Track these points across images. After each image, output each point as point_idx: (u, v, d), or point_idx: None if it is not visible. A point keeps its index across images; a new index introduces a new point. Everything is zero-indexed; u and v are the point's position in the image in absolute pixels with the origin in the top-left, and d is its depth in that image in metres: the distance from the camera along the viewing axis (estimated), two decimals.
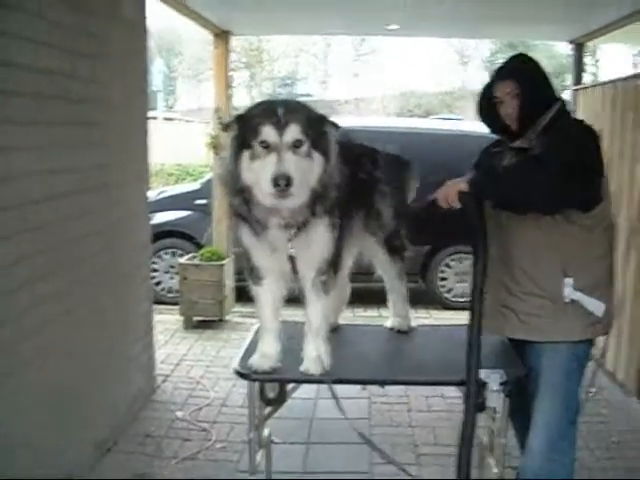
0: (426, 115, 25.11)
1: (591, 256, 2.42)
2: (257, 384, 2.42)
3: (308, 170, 2.03)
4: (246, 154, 2.04)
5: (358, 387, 4.02)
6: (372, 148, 2.73)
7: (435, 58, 41.08)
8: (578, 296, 2.38)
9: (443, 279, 6.89)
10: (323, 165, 2.07)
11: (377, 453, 2.42)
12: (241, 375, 2.38)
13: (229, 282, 5.90)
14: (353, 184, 2.29)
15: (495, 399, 2.27)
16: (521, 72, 2.48)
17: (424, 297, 7.02)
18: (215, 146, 5.69)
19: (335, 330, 2.73)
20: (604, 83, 5.12)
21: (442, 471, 3.35)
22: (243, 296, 6.26)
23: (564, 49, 26.57)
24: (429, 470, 3.44)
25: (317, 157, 2.05)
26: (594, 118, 5.12)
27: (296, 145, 2.00)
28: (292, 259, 2.18)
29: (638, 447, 3.72)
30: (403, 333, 2.82)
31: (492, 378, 2.27)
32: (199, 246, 6.36)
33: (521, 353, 2.51)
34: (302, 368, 2.33)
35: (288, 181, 1.93)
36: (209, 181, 6.47)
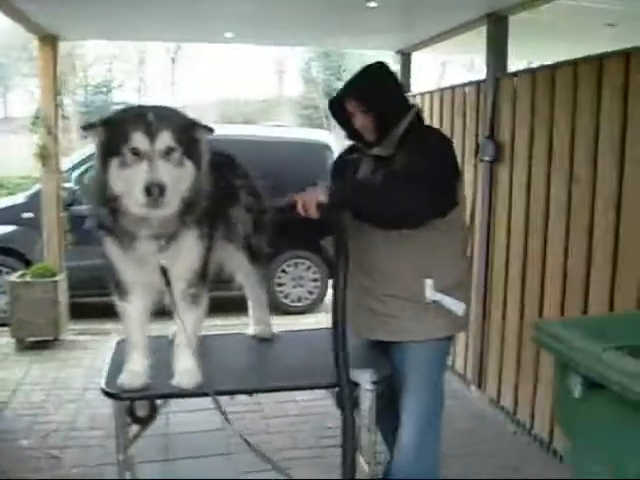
0: (246, 122, 25.44)
1: (449, 257, 2.54)
2: (126, 403, 2.31)
3: (180, 178, 1.97)
4: (115, 162, 1.93)
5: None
6: (227, 154, 2.70)
7: (253, 66, 41.64)
8: (439, 297, 2.48)
9: (280, 285, 6.98)
10: (195, 173, 2.03)
11: (262, 459, 2.40)
12: (110, 395, 2.26)
13: (63, 299, 5.58)
14: (215, 192, 2.25)
15: (368, 398, 2.34)
16: (366, 90, 2.51)
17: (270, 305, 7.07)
18: (44, 156, 5.37)
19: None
20: (432, 91, 5.46)
21: (305, 473, 3.40)
22: (77, 313, 5.99)
23: (373, 57, 28.18)
24: (293, 473, 3.47)
25: (189, 165, 2.00)
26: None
27: (168, 152, 1.94)
28: (164, 270, 2.11)
29: (481, 433, 4.00)
30: (265, 340, 2.82)
31: (362, 378, 2.33)
32: (28, 262, 5.98)
33: (385, 353, 2.60)
34: (174, 382, 2.26)
35: (161, 190, 1.87)
36: (37, 193, 6.08)
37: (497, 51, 4.20)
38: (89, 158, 6.93)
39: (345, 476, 2.27)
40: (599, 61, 3.21)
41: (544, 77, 3.66)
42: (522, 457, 3.69)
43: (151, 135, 1.91)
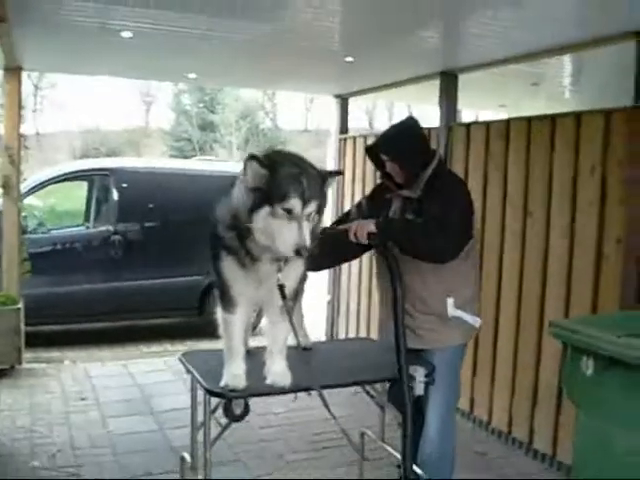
0: (113, 154, 25.24)
1: (466, 279, 3.17)
2: (222, 403, 2.71)
3: (314, 229, 2.37)
4: (266, 209, 2.26)
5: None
6: None
7: (117, 96, 41.13)
8: (459, 313, 3.13)
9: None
10: (319, 220, 2.45)
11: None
12: (217, 395, 2.66)
13: (22, 327, 5.68)
14: None
15: (421, 388, 2.90)
16: (394, 145, 3.11)
17: (203, 329, 7.39)
18: (6, 186, 5.50)
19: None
20: (365, 135, 6.15)
21: (312, 473, 3.88)
22: (31, 341, 6.06)
23: (253, 93, 28.93)
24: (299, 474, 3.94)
25: (317, 218, 2.39)
26: (360, 164, 6.15)
27: (310, 215, 2.34)
28: (281, 287, 2.55)
29: None
30: (308, 349, 3.30)
31: (418, 372, 2.90)
32: None
33: (414, 355, 3.17)
34: (270, 382, 2.69)
35: (306, 249, 2.29)
36: None
37: (448, 102, 4.96)
38: (40, 186, 7.03)
39: (406, 463, 2.79)
40: (552, 119, 4.02)
41: (498, 129, 4.44)
42: (485, 446, 4.36)
43: (304, 202, 2.29)
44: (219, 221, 2.49)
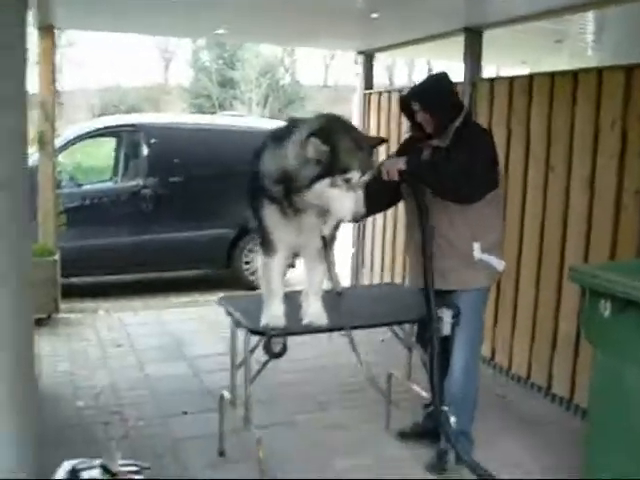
0: (133, 111, 25.31)
1: (492, 225, 3.35)
2: (263, 340, 2.93)
3: None
4: (327, 180, 2.50)
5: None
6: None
7: (137, 54, 41.00)
8: (485, 257, 3.30)
9: (247, 262, 7.59)
10: None
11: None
12: (258, 333, 2.87)
13: (59, 278, 5.93)
14: None
15: (448, 329, 3.10)
16: (427, 95, 3.30)
17: (230, 281, 7.67)
18: (42, 141, 5.70)
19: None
20: (389, 91, 6.26)
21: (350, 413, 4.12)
22: (65, 293, 6.31)
23: (273, 49, 28.84)
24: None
25: None
26: (385, 118, 6.27)
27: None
28: (324, 238, 2.76)
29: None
30: (339, 294, 3.50)
31: (446, 314, 3.10)
32: None
33: (441, 297, 3.35)
34: (306, 322, 2.91)
35: (361, 216, 2.60)
36: None
37: (472, 59, 5.05)
38: (72, 142, 7.24)
39: (435, 400, 3.01)
40: (574, 75, 4.12)
41: (521, 84, 4.54)
42: (505, 390, 4.57)
43: (362, 173, 2.53)
44: (265, 175, 2.68)
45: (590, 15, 4.72)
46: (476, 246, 3.29)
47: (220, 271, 7.88)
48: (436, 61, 9.86)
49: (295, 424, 3.94)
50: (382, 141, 2.95)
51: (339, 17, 5.03)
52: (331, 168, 2.49)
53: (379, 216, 5.99)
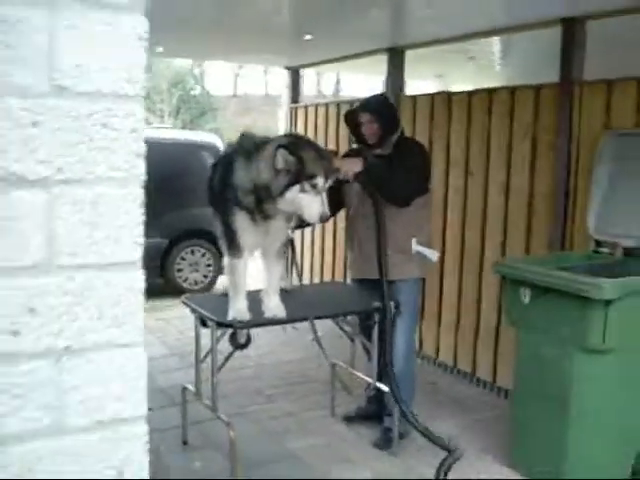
0: None
1: (425, 223, 3.79)
2: (228, 333, 3.25)
3: None
4: (297, 187, 2.85)
5: None
6: None
7: None
8: (420, 249, 3.73)
9: (179, 270, 7.81)
10: None
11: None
12: (226, 325, 3.19)
13: None
14: None
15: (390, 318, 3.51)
16: (378, 108, 3.75)
17: (163, 288, 7.86)
18: None
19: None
20: (317, 104, 6.67)
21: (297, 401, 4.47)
22: None
23: (182, 60, 28.92)
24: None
25: None
26: (311, 130, 6.67)
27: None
28: (291, 241, 3.12)
29: None
30: (289, 292, 3.84)
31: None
32: None
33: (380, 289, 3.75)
34: (269, 315, 3.24)
35: (327, 217, 2.95)
36: None
37: (395, 75, 5.51)
38: None
39: (387, 360, 3.40)
40: (489, 92, 4.64)
41: (441, 100, 5.03)
42: (434, 377, 5.03)
43: (326, 178, 2.90)
44: (238, 187, 3.00)
45: (500, 38, 5.25)
46: (414, 241, 3.71)
47: (154, 279, 8.05)
48: (361, 75, 10.39)
49: (247, 414, 4.24)
50: (335, 153, 3.32)
51: (272, 37, 5.40)
52: (299, 176, 2.85)
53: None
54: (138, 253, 0.86)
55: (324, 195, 2.91)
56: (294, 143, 2.94)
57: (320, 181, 2.88)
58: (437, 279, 5.11)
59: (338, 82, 33.73)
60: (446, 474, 2.96)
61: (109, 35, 0.79)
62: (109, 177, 0.82)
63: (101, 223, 0.82)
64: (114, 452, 0.90)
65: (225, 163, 3.14)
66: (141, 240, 0.86)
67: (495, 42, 5.39)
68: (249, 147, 3.02)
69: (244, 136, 3.23)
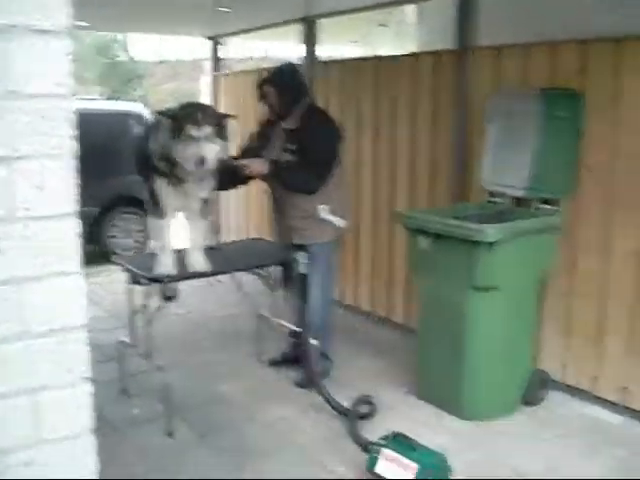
0: None
1: (334, 192, 4.11)
2: (159, 286, 3.58)
3: (214, 150, 3.29)
4: (176, 140, 3.21)
5: None
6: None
7: None
8: (327, 217, 4.10)
9: (112, 237, 8.03)
10: (222, 145, 3.35)
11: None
12: (155, 280, 3.51)
13: None
14: None
15: (304, 268, 3.90)
16: (278, 79, 4.04)
17: (97, 257, 8.06)
18: None
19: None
20: (237, 72, 6.94)
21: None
22: None
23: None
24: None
25: (218, 141, 3.31)
26: (234, 97, 6.95)
27: (208, 136, 3.26)
28: (204, 199, 3.45)
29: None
30: (214, 249, 4.18)
31: (301, 255, 3.90)
32: None
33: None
34: (193, 269, 3.59)
35: (205, 159, 3.24)
36: None
37: (309, 44, 5.83)
38: None
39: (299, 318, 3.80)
40: (394, 59, 5.02)
41: (352, 66, 5.39)
42: (355, 324, 5.48)
43: (198, 126, 3.22)
44: (152, 154, 3.34)
45: (408, 7, 5.63)
46: (320, 208, 4.06)
47: (84, 247, 8.22)
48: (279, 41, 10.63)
49: (182, 364, 4.59)
50: (230, 116, 3.61)
51: (189, 8, 5.62)
52: (174, 131, 3.23)
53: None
54: (74, 206, 1.20)
55: (204, 143, 3.23)
56: (174, 109, 3.35)
57: (192, 130, 3.21)
58: (354, 235, 5.53)
59: (267, 49, 33.57)
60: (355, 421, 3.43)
61: (45, 52, 1.12)
62: (48, 154, 1.16)
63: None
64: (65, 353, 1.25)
65: (145, 134, 3.46)
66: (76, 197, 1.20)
67: (400, 11, 5.74)
68: (161, 118, 3.35)
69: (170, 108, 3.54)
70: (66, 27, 1.13)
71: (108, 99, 14.18)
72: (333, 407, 3.75)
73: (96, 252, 8.07)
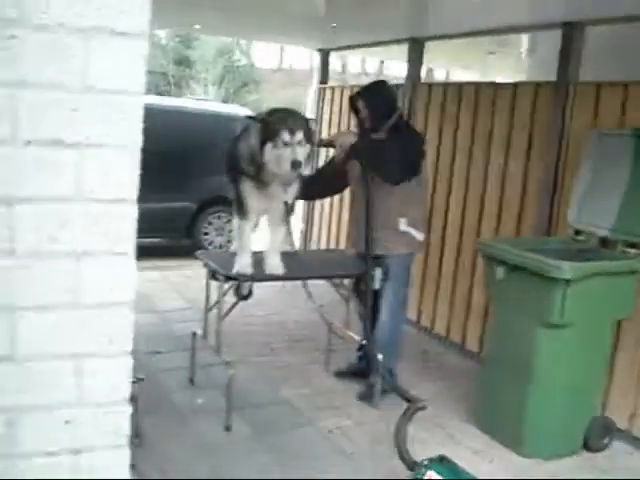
0: None
1: (414, 204, 4.18)
2: (234, 285, 3.73)
3: (304, 154, 3.43)
4: (269, 145, 3.35)
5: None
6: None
7: None
8: (408, 229, 4.15)
9: (206, 234, 8.35)
10: (309, 150, 3.49)
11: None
12: (232, 278, 3.66)
13: None
14: None
15: (378, 284, 3.95)
16: (370, 94, 4.15)
17: (189, 249, 8.38)
18: None
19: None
20: (342, 87, 7.08)
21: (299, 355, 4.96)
22: None
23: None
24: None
25: (308, 146, 3.45)
26: (337, 110, 7.09)
27: (300, 142, 3.39)
28: (286, 203, 3.58)
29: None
30: (293, 255, 4.30)
31: (377, 271, 3.95)
32: None
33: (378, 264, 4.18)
34: (269, 271, 3.71)
35: (299, 164, 3.37)
36: None
37: (414, 65, 5.89)
38: None
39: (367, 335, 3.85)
40: (495, 86, 5.01)
41: (453, 90, 5.41)
42: (428, 346, 5.47)
43: (291, 133, 3.36)
44: (240, 157, 3.49)
45: (516, 36, 5.60)
46: (402, 221, 4.12)
47: (182, 241, 8.59)
48: (387, 59, 10.77)
49: (250, 363, 4.73)
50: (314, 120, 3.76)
51: (301, 21, 5.81)
52: (267, 136, 3.36)
53: (326, 202, 6.84)
54: (134, 194, 1.32)
55: (297, 147, 3.37)
56: (266, 114, 3.52)
57: (285, 135, 3.34)
58: (437, 257, 5.53)
59: (382, 62, 33.90)
60: (410, 419, 3.41)
61: (122, 52, 1.25)
62: (116, 144, 1.28)
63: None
64: (110, 326, 1.37)
65: (235, 138, 3.61)
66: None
67: (512, 39, 5.71)
68: (251, 122, 3.49)
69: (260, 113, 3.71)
70: (143, 31, 1.24)
71: (222, 102, 14.75)
72: (401, 395, 3.70)
73: (191, 247, 8.41)
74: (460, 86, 5.40)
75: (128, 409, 1.38)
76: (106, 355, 1.34)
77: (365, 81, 5.04)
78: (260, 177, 3.48)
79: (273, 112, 3.53)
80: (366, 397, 4.25)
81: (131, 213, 1.33)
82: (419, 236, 4.21)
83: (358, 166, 4.02)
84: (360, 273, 3.97)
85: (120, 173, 1.30)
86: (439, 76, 21.29)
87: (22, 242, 1.24)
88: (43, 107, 1.20)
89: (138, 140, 1.31)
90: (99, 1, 1.21)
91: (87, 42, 1.21)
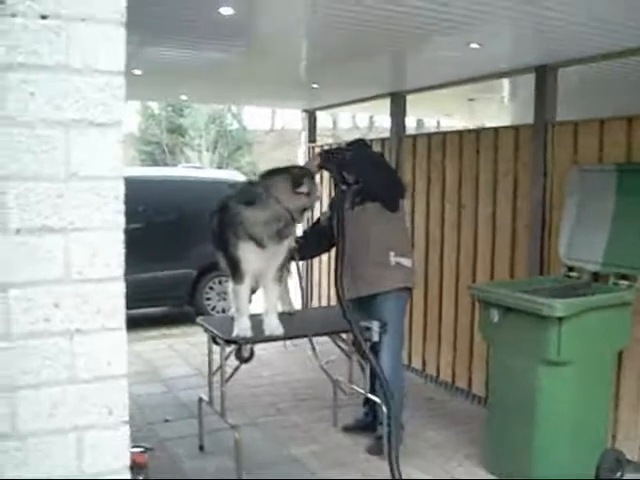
0: None
1: (401, 236, 4.26)
2: (234, 348, 3.77)
3: None
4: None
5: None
6: None
7: None
8: (398, 259, 4.19)
9: (208, 299, 8.40)
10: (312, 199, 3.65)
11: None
12: (231, 342, 3.71)
13: None
14: None
15: (377, 336, 3.99)
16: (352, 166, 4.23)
17: (192, 316, 8.43)
18: None
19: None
20: (330, 145, 7.24)
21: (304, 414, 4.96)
22: None
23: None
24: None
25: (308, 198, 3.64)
26: None
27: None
28: (281, 266, 3.66)
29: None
30: (292, 314, 4.35)
31: (374, 324, 3.99)
32: None
33: (369, 306, 4.21)
34: (268, 333, 3.76)
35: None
36: None
37: (397, 118, 6.05)
38: None
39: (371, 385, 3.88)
40: (477, 133, 5.14)
41: (437, 140, 5.55)
42: (434, 394, 5.47)
43: (309, 186, 3.56)
44: (245, 222, 3.57)
45: (493, 82, 5.75)
46: (391, 254, 4.17)
47: (184, 308, 8.65)
48: (374, 113, 11.03)
49: (258, 424, 4.74)
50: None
51: (286, 85, 6.01)
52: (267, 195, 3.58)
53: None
54: (121, 271, 1.40)
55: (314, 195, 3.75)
56: (264, 174, 3.76)
57: (304, 188, 3.65)
58: (437, 305, 5.58)
59: (371, 117, 34.53)
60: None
61: (99, 141, 1.34)
62: (100, 227, 1.37)
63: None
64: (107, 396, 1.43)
65: (222, 208, 3.70)
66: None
67: (489, 86, 5.87)
68: (248, 189, 3.59)
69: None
70: (119, 120, 1.34)
71: (217, 167, 15.01)
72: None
73: (194, 313, 8.45)
74: (444, 135, 5.54)
75: (128, 476, 1.43)
76: (106, 426, 1.40)
77: (356, 135, 5.21)
78: (278, 234, 3.59)
79: (270, 173, 3.71)
80: (375, 450, 4.25)
81: (119, 289, 1.40)
82: (407, 263, 4.22)
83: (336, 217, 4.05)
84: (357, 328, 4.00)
85: (105, 253, 1.38)
86: (430, 124, 21.67)
87: (17, 324, 1.31)
88: (32, 196, 1.29)
89: (120, 221, 1.40)
90: (77, 94, 1.31)
91: (66, 133, 1.30)
